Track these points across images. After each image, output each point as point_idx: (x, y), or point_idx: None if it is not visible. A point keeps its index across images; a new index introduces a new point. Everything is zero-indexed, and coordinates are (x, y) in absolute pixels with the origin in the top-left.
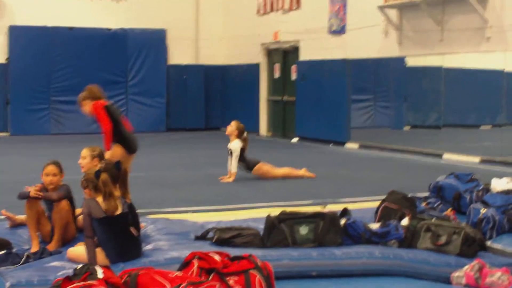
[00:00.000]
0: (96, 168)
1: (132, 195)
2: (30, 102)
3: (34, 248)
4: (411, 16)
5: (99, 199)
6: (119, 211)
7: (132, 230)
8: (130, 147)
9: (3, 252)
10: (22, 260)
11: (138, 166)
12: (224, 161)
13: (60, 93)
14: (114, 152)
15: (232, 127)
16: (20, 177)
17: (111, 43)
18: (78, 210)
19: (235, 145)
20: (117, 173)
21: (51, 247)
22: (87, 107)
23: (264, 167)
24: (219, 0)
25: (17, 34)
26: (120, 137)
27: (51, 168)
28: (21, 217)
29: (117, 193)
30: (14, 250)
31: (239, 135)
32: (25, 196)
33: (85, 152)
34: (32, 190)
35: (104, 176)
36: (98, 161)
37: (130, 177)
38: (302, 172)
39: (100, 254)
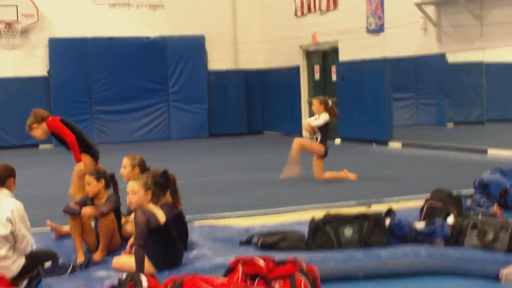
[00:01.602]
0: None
1: None
2: (72, 113)
3: (80, 258)
4: (449, 12)
5: (152, 207)
6: (164, 219)
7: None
8: (95, 155)
9: (49, 263)
10: (69, 270)
11: (182, 172)
12: (268, 165)
13: (101, 103)
14: (85, 163)
15: (315, 105)
16: (64, 189)
17: (150, 51)
18: (123, 219)
19: (323, 117)
20: (166, 183)
21: (96, 257)
22: (38, 130)
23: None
24: (256, 3)
25: (57, 46)
26: (85, 146)
27: (86, 178)
28: (66, 227)
29: (169, 199)
30: (60, 261)
31: (326, 108)
32: (75, 213)
33: (125, 161)
34: (88, 212)
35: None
36: (138, 170)
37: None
38: (344, 173)
39: (146, 262)
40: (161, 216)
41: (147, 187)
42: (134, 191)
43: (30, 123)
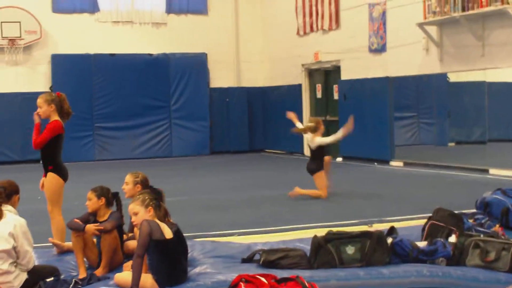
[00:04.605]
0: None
1: (179, 219)
2: (74, 129)
3: (82, 274)
4: (451, 32)
5: (159, 222)
6: (171, 235)
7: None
8: (64, 176)
9: (51, 279)
10: (70, 286)
11: (183, 189)
12: (269, 183)
13: (103, 120)
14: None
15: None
16: (67, 205)
17: (152, 68)
18: (124, 236)
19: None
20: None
21: (98, 272)
22: (46, 106)
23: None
24: (259, 22)
25: (60, 62)
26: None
27: (88, 194)
28: (68, 243)
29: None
30: (62, 277)
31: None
32: (78, 229)
33: (128, 178)
34: (92, 229)
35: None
36: (140, 187)
37: (175, 201)
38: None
39: (148, 278)
40: (167, 233)
41: (145, 204)
42: (135, 212)
43: (43, 96)
